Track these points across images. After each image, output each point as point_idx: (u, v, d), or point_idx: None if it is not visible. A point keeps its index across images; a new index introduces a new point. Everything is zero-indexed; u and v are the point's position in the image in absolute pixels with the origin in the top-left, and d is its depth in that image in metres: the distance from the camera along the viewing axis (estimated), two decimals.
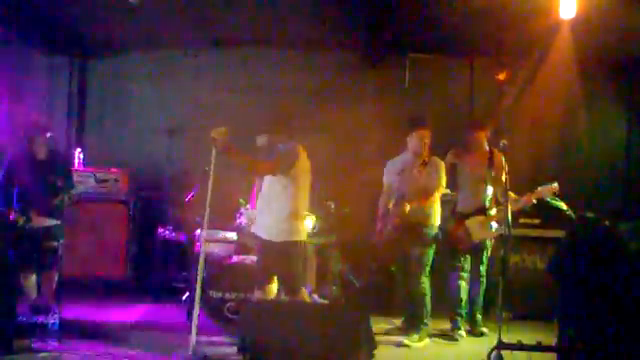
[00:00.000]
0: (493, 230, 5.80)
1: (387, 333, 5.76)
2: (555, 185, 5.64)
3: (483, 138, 5.95)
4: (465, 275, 5.87)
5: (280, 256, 4.89)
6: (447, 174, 5.73)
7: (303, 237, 5.02)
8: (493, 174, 5.74)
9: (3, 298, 4.90)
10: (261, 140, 5.10)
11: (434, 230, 5.69)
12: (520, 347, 4.68)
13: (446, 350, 5.53)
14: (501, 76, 7.53)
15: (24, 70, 7.82)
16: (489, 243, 5.89)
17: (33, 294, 5.62)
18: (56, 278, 5.57)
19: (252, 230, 5.25)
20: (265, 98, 7.73)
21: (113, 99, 8.01)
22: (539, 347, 4.82)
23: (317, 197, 6.36)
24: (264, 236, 4.97)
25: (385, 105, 7.65)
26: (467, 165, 5.93)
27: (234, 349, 4.65)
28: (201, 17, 6.73)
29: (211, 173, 4.74)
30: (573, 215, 6.06)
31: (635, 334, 4.12)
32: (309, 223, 6.07)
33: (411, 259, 5.64)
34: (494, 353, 4.59)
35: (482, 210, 5.83)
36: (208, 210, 4.75)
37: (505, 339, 4.64)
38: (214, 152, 4.73)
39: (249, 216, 6.04)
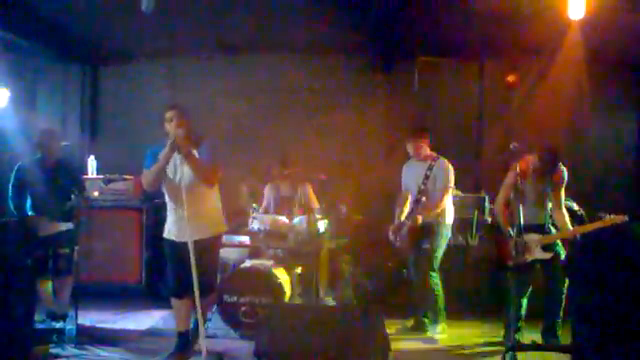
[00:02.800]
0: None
1: (398, 334, 5.78)
2: (625, 217, 5.14)
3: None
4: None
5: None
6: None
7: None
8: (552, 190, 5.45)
9: (20, 304, 4.94)
10: None
11: (445, 229, 5.79)
12: (535, 347, 4.69)
13: (457, 351, 5.54)
14: (510, 78, 7.55)
15: (37, 78, 7.91)
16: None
17: (49, 300, 5.68)
18: (71, 284, 5.62)
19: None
20: (275, 103, 7.80)
21: (126, 106, 8.08)
22: (554, 347, 4.84)
23: (328, 200, 6.42)
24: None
25: (395, 108, 7.67)
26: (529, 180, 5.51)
27: (250, 353, 4.68)
28: (213, 23, 6.78)
29: (182, 181, 4.67)
30: (585, 215, 6.08)
31: None
32: (321, 226, 6.14)
33: (421, 255, 5.75)
34: (509, 354, 4.60)
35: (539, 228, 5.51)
36: (187, 216, 4.64)
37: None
38: (179, 157, 4.68)
39: (262, 220, 6.09)
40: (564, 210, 5.46)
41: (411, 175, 5.91)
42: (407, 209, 5.88)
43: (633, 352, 4.10)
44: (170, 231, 4.95)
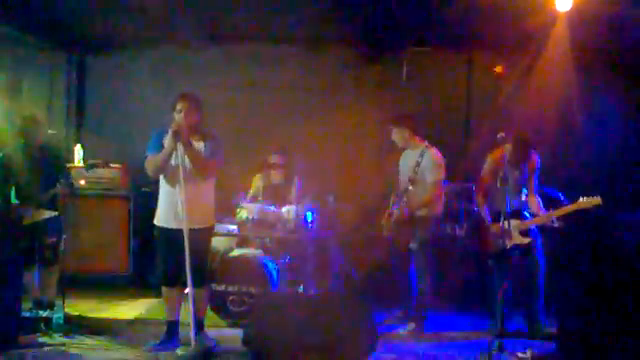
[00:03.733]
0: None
1: (385, 324, 5.77)
2: (598, 199, 5.28)
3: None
4: None
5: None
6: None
7: None
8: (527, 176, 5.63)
9: (7, 294, 4.94)
10: None
11: (433, 221, 5.76)
12: (521, 335, 4.74)
13: (446, 340, 5.58)
14: (499, 69, 7.57)
15: (23, 66, 7.83)
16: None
17: (36, 289, 5.65)
18: (58, 273, 5.59)
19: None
20: (264, 95, 7.77)
21: (113, 95, 7.99)
22: (540, 336, 4.89)
23: (318, 190, 6.43)
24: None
25: (383, 99, 7.67)
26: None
27: (238, 342, 4.69)
28: (200, 14, 6.74)
29: (181, 168, 4.69)
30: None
31: (634, 325, 4.17)
32: (308, 217, 6.14)
33: (410, 250, 5.71)
34: (494, 342, 4.65)
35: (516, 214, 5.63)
36: (184, 205, 4.69)
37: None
38: (179, 146, 4.68)
39: (250, 209, 6.09)
40: (537, 197, 5.66)
41: (404, 164, 5.89)
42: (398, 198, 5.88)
43: (617, 341, 4.16)
44: (163, 218, 4.93)
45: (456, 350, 5.22)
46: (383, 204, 6.12)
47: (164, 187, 4.92)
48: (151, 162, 4.85)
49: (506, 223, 5.32)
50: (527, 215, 5.62)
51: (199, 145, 4.82)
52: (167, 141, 4.72)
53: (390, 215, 5.88)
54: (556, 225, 5.67)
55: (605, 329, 4.19)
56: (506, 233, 5.38)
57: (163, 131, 4.78)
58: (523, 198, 5.63)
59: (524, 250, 5.49)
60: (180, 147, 4.68)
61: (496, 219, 5.61)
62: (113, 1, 6.49)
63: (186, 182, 4.68)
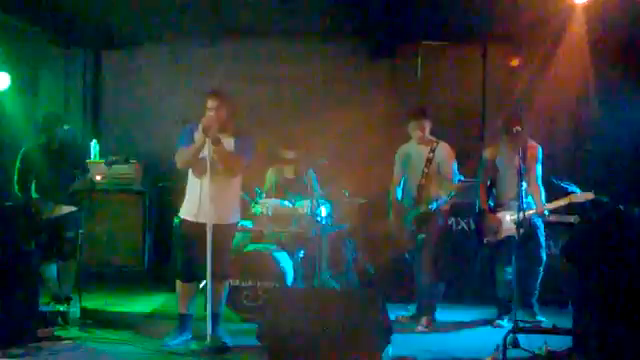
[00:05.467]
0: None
1: (399, 319, 5.77)
2: (591, 194, 5.39)
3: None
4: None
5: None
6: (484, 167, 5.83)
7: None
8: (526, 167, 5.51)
9: (25, 288, 4.99)
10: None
11: (444, 215, 5.75)
12: (536, 330, 4.71)
13: (461, 335, 5.57)
14: (514, 63, 7.52)
15: (39, 61, 7.89)
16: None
17: (54, 283, 5.71)
18: (76, 267, 5.65)
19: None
20: (276, 89, 7.79)
21: (128, 90, 8.05)
22: (554, 330, 4.86)
23: (332, 185, 6.43)
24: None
25: (397, 94, 7.65)
26: (504, 158, 5.80)
27: (252, 336, 4.70)
28: (215, 9, 6.75)
29: (208, 163, 4.71)
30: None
31: None
32: (324, 211, 6.14)
33: (421, 244, 5.69)
34: (510, 336, 4.62)
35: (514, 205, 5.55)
36: (209, 199, 4.73)
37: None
38: (207, 141, 4.70)
39: (265, 204, 6.10)
40: (540, 187, 5.68)
41: (412, 159, 5.82)
42: (408, 194, 5.85)
43: (633, 338, 4.12)
44: (188, 211, 4.97)
45: (470, 345, 5.20)
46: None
47: (191, 181, 4.96)
48: (181, 155, 4.89)
49: (499, 214, 5.55)
50: (527, 206, 5.50)
51: (229, 141, 4.85)
52: (197, 136, 4.77)
53: (402, 211, 5.83)
54: (551, 219, 5.86)
55: (621, 326, 4.16)
56: (499, 225, 5.55)
57: (194, 125, 4.81)
58: (523, 188, 5.36)
59: (524, 240, 5.36)
60: (209, 143, 4.72)
61: (492, 209, 5.77)
62: None
63: (212, 177, 4.72)
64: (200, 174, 4.83)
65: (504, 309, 5.70)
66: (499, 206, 5.79)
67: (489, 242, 5.80)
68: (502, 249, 5.70)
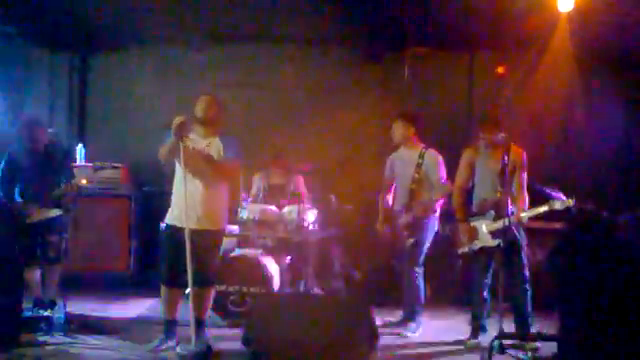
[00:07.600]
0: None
1: (386, 325, 5.77)
2: (571, 202, 5.06)
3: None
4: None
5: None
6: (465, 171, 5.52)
7: None
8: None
9: (8, 292, 4.94)
10: None
11: (433, 222, 5.75)
12: (521, 337, 4.73)
13: (447, 341, 5.57)
14: (500, 70, 7.57)
15: (26, 66, 7.85)
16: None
17: (37, 288, 5.66)
18: (60, 271, 5.60)
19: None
20: (265, 95, 7.79)
21: (115, 95, 8.03)
22: (540, 337, 4.88)
23: (319, 190, 6.43)
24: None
25: (385, 100, 7.68)
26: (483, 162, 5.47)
27: (238, 342, 4.69)
28: (203, 13, 6.75)
29: (182, 166, 4.69)
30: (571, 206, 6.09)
31: (635, 327, 4.16)
32: (311, 215, 6.14)
33: (407, 249, 5.70)
34: (495, 343, 4.64)
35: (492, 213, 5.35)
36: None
37: (506, 329, 4.69)
38: (180, 145, 4.67)
39: (252, 209, 6.09)
40: (525, 195, 5.28)
41: (401, 164, 5.84)
42: (398, 199, 5.86)
43: (619, 344, 4.15)
44: (172, 216, 4.94)
45: (457, 351, 5.22)
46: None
47: (175, 186, 4.94)
48: (161, 148, 4.86)
49: (474, 222, 5.26)
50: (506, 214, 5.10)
51: (212, 141, 4.84)
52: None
53: (394, 219, 5.84)
54: (536, 225, 5.61)
55: (607, 332, 4.19)
56: (473, 234, 5.29)
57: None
58: (501, 195, 5.12)
59: (506, 249, 5.06)
60: (182, 146, 4.69)
61: (469, 216, 5.39)
62: (115, 1, 6.51)
63: (191, 180, 4.71)
64: (181, 176, 4.79)
65: (475, 332, 5.39)
66: (475, 214, 5.40)
67: (464, 254, 5.44)
68: (479, 261, 5.36)
